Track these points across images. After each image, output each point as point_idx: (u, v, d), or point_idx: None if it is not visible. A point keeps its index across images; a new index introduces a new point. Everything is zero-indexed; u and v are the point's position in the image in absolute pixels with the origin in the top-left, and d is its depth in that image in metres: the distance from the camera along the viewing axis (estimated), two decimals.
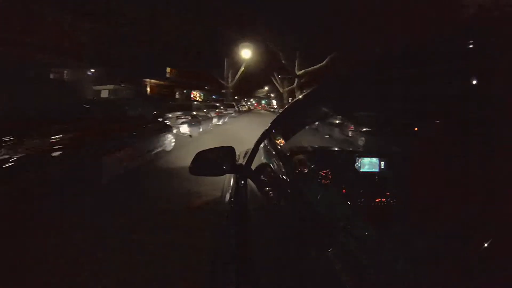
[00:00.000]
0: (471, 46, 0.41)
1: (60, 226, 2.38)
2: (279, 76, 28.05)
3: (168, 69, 24.48)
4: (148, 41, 16.83)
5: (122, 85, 14.13)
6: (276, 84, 29.38)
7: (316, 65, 19.95)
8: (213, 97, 31.12)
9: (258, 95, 56.80)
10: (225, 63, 26.77)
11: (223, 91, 28.63)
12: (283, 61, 21.75)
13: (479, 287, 0.31)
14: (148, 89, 22.10)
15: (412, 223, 0.53)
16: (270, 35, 19.69)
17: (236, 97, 38.67)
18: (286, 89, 28.29)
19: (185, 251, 2.07)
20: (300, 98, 1.02)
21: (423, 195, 0.49)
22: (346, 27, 13.79)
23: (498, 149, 0.37)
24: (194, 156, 1.15)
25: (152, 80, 22.13)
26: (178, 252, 2.09)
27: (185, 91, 28.65)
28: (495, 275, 0.31)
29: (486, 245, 0.30)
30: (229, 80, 27.15)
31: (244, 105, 39.28)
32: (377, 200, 0.98)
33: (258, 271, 0.67)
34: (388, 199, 0.98)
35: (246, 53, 24.59)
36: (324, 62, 18.77)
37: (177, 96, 25.81)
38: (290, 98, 28.73)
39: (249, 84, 37.98)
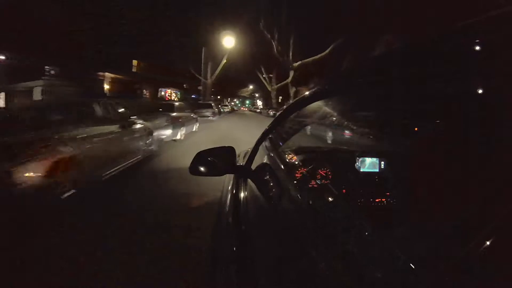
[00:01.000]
0: (471, 46, 0.41)
1: (60, 226, 2.38)
2: (267, 76, 25.45)
3: (134, 62, 20.08)
4: (107, 23, 12.02)
5: (44, 77, 10.01)
6: (264, 81, 26.60)
7: (313, 56, 17.63)
8: (192, 96, 26.99)
9: (242, 94, 53.72)
10: (203, 53, 21.89)
11: (199, 87, 24.08)
12: (275, 51, 19.12)
13: (479, 287, 0.31)
14: (108, 85, 17.54)
15: (412, 223, 0.53)
16: (262, 13, 16.94)
17: (218, 97, 36.34)
18: (275, 86, 25.56)
19: (185, 251, 2.07)
20: (302, 97, 1.02)
21: (423, 195, 0.49)
22: (353, 9, 12.27)
23: (498, 149, 0.37)
24: (194, 156, 1.15)
25: (109, 74, 17.37)
26: (178, 252, 2.09)
27: (171, 90, 23.81)
28: (495, 275, 0.31)
29: (486, 245, 0.30)
30: (209, 76, 22.93)
31: (227, 105, 37.49)
32: (377, 200, 0.98)
33: (258, 271, 0.67)
34: (388, 199, 0.98)
35: (229, 41, 20.17)
36: (327, 51, 16.61)
37: (146, 94, 21.08)
38: (280, 97, 26.86)
39: (232, 84, 35.48)
